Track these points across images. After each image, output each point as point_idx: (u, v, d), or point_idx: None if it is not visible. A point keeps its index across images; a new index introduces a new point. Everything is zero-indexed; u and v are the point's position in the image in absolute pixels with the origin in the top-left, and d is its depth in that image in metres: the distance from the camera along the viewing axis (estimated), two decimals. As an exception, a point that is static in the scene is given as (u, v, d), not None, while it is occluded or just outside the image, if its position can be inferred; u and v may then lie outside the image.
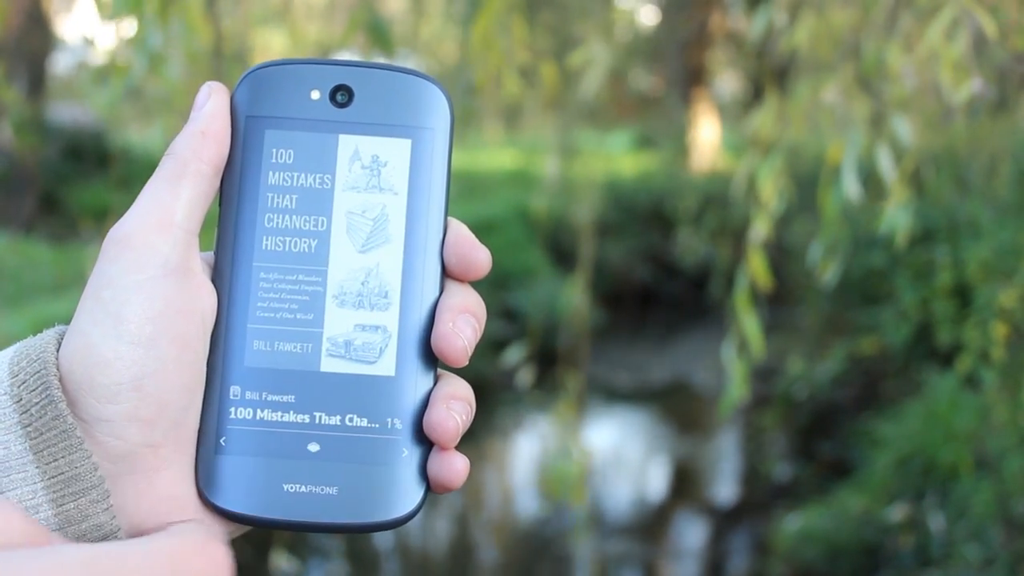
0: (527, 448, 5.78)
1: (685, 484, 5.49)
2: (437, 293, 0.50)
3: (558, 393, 3.81)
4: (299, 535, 4.09)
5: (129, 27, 1.72)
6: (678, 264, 7.55)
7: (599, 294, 7.36)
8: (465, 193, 7.71)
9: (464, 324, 0.49)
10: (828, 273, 2.58)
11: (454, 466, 0.48)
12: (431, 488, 0.49)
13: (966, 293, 4.20)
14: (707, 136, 9.66)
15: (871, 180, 2.62)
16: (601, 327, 7.18)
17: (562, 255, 6.46)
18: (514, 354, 3.60)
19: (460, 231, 0.50)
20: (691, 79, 9.79)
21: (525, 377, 3.63)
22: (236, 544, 0.47)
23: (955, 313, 4.27)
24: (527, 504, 4.95)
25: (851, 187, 2.09)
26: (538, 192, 4.04)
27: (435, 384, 0.49)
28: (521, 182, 8.25)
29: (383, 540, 4.60)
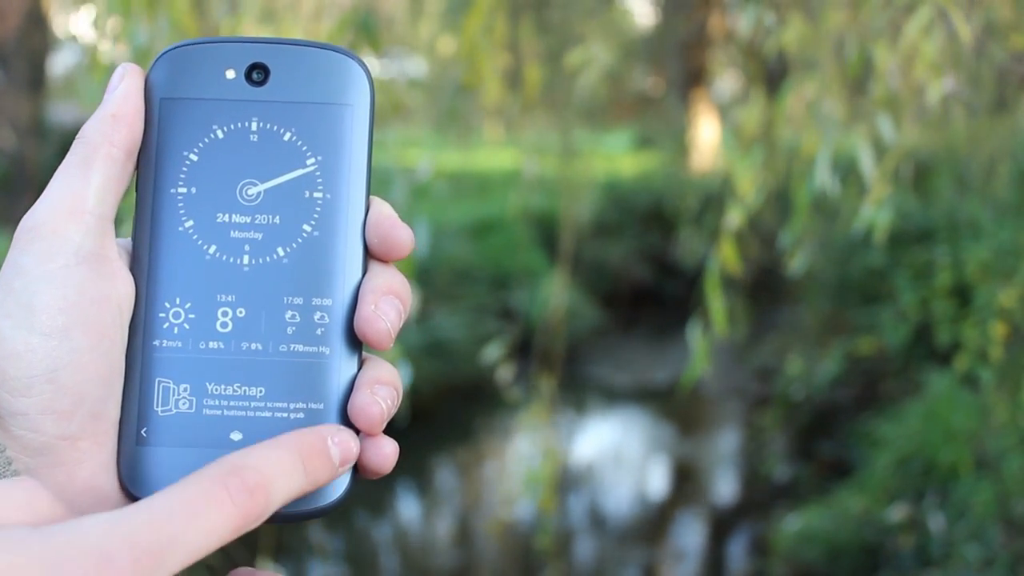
0: (525, 447, 5.77)
1: (685, 484, 5.48)
2: (360, 275, 0.48)
3: (531, 394, 3.81)
4: (295, 536, 4.08)
5: (116, 24, 1.71)
6: (678, 264, 7.53)
7: (598, 294, 7.35)
8: (465, 193, 7.69)
9: (388, 306, 0.47)
10: (795, 262, 2.68)
11: (383, 451, 0.47)
12: (360, 474, 0.47)
13: (965, 293, 4.20)
14: (707, 136, 9.65)
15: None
16: (600, 327, 7.17)
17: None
18: (493, 351, 3.62)
19: (382, 210, 0.49)
20: (691, 79, 9.78)
21: (504, 374, 3.65)
22: (222, 549, 0.45)
23: (954, 313, 4.26)
24: (526, 504, 4.94)
25: (824, 179, 2.12)
26: (516, 191, 4.05)
27: (360, 368, 0.48)
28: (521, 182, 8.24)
29: (383, 540, 4.59)
